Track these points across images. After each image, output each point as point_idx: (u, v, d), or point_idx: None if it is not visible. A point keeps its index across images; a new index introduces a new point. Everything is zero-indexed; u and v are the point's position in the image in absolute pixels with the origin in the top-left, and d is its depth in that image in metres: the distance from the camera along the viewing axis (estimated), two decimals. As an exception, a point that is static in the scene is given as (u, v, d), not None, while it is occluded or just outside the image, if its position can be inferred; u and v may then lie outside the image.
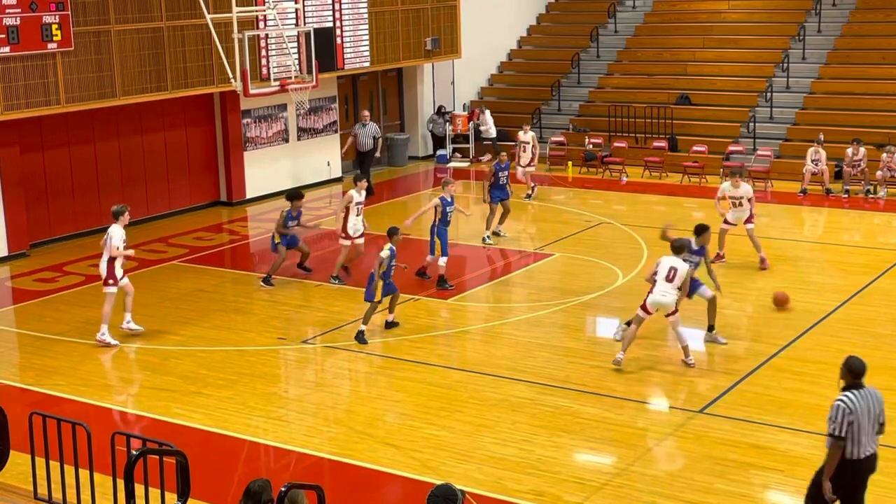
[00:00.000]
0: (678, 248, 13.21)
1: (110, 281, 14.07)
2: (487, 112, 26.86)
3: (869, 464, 8.18)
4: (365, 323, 14.14)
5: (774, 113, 25.37)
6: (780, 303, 15.06)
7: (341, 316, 15.30)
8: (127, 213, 14.29)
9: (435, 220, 16.31)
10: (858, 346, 13.55)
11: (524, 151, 22.11)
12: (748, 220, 17.09)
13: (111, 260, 14.03)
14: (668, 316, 13.02)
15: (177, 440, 9.20)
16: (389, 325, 14.54)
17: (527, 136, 22.45)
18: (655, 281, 12.93)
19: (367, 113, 23.23)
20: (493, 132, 26.78)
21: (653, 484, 10.03)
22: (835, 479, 8.14)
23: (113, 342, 14.11)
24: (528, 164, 22.20)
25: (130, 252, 14.51)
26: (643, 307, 13.00)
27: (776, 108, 25.40)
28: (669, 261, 12.98)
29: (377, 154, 23.30)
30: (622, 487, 10.00)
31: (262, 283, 16.69)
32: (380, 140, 23.16)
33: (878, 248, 18.80)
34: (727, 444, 10.85)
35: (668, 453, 10.71)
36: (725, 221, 17.21)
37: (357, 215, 16.53)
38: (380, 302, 14.20)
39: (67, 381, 12.99)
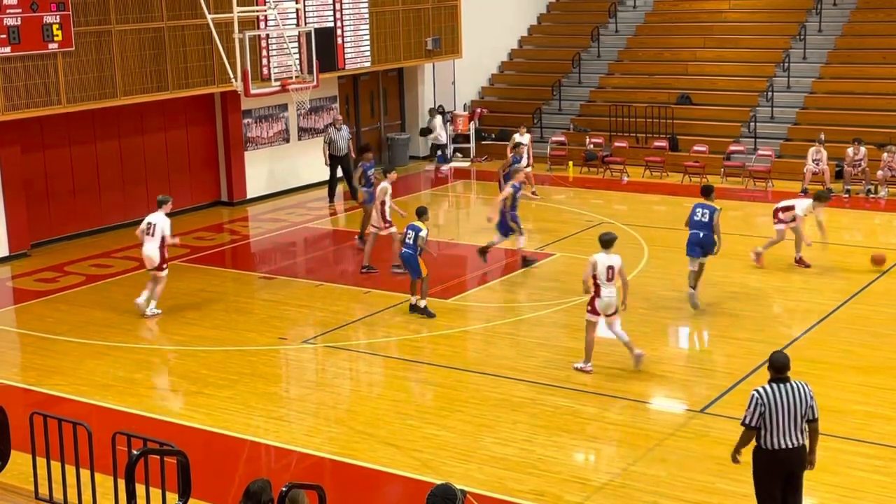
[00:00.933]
0: (607, 242, 12.76)
1: (164, 266, 15.39)
2: (438, 117, 26.26)
3: (788, 455, 8.34)
4: (424, 297, 14.91)
5: (775, 112, 25.37)
6: (878, 262, 16.42)
7: (342, 316, 15.32)
8: (171, 202, 15.65)
9: (506, 206, 16.97)
10: (858, 345, 13.58)
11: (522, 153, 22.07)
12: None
13: (162, 245, 15.25)
14: (609, 315, 12.76)
15: (178, 440, 9.20)
16: (415, 309, 15.05)
17: (523, 138, 22.47)
18: (598, 285, 12.60)
19: (340, 116, 23.21)
20: (442, 138, 26.15)
21: (654, 484, 10.04)
22: (758, 467, 8.51)
23: (157, 312, 15.44)
24: (527, 166, 22.18)
25: (176, 240, 15.87)
26: (592, 311, 12.72)
27: (777, 108, 25.40)
28: (604, 260, 12.61)
29: (352, 155, 23.30)
30: (623, 487, 10.00)
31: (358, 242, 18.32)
32: (350, 142, 23.11)
33: (878, 247, 18.78)
34: (728, 444, 10.75)
35: (669, 453, 10.70)
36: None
37: (388, 206, 17.09)
38: (427, 275, 15.00)
39: (68, 381, 12.99)
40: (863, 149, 22.16)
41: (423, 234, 14.94)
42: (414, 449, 10.88)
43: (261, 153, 23.01)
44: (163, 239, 15.16)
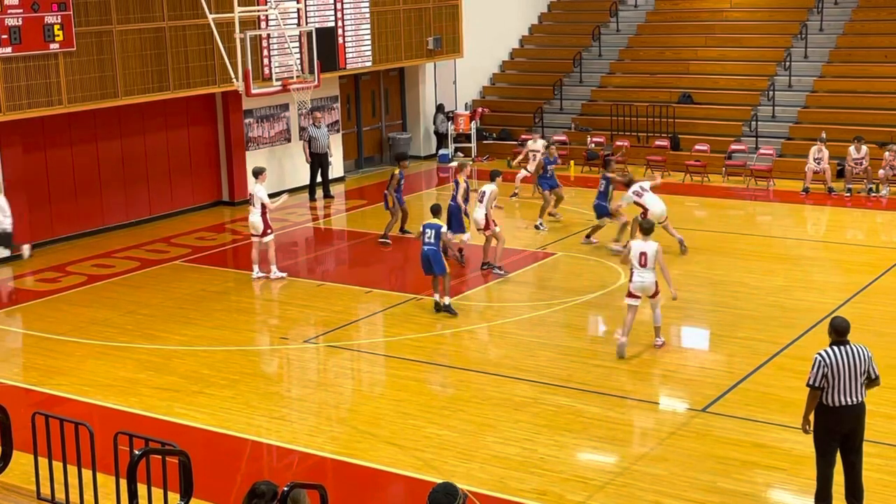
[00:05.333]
0: (647, 230, 13.55)
1: (268, 231, 16.86)
2: None
3: (849, 412, 9.02)
4: (449, 294, 15.17)
5: (777, 111, 25.36)
6: None
7: (343, 315, 15.32)
8: (265, 172, 17.09)
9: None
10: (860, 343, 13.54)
11: (533, 159, 22.12)
12: None
13: (264, 213, 16.73)
14: (651, 297, 13.43)
15: (179, 440, 9.19)
16: (440, 308, 15.31)
17: (537, 144, 22.49)
18: (632, 269, 13.39)
19: (319, 114, 23.22)
20: None
21: (655, 483, 10.03)
22: (821, 425, 9.12)
23: (281, 274, 16.96)
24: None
25: (283, 199, 17.65)
26: (629, 294, 13.43)
27: (778, 107, 25.39)
28: (638, 245, 13.36)
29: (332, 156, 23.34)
30: (625, 486, 9.99)
31: (380, 241, 19.02)
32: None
33: (880, 246, 18.80)
34: (730, 443, 10.85)
35: (670, 452, 10.69)
36: None
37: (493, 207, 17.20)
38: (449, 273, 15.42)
39: (70, 382, 13.00)
40: (864, 147, 22.15)
41: (443, 230, 15.26)
42: (416, 448, 10.88)
43: (262, 153, 23.01)
44: (263, 207, 16.68)
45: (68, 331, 14.88)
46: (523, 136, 26.83)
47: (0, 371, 13.49)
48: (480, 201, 16.96)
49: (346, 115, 25.51)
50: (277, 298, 16.27)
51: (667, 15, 29.69)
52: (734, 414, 11.56)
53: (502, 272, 16.93)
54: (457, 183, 17.59)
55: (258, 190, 16.81)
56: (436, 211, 15.46)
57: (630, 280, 13.39)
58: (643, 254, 13.21)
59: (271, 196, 17.42)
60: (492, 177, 17.62)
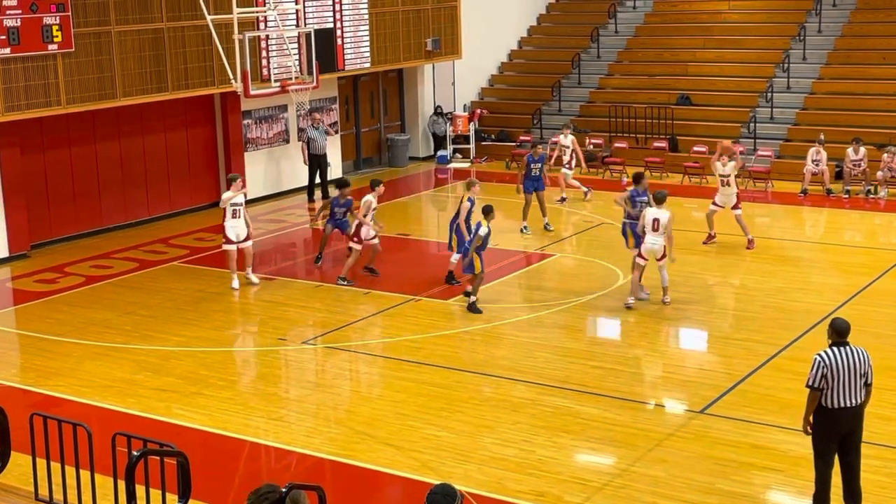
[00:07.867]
0: (660, 199, 15.02)
1: (223, 240, 16.64)
2: None
3: (847, 414, 9.01)
4: (475, 294, 15.22)
5: (775, 113, 25.38)
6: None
7: (342, 316, 15.32)
8: (240, 179, 16.72)
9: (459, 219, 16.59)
10: (859, 345, 13.54)
11: (565, 155, 22.17)
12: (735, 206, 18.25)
13: (224, 219, 16.54)
14: (658, 260, 14.97)
15: (177, 441, 9.20)
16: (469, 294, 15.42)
17: (567, 139, 22.46)
18: (644, 232, 14.91)
19: (318, 115, 23.22)
20: None
21: (653, 484, 10.04)
22: (819, 426, 9.11)
23: (234, 285, 16.51)
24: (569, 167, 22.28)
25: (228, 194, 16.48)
26: (639, 255, 15.04)
27: (777, 109, 25.40)
28: (653, 212, 14.89)
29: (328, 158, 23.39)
30: (623, 488, 10.00)
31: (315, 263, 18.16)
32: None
33: (878, 248, 18.81)
34: (728, 445, 10.85)
35: (668, 454, 10.70)
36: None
37: (371, 220, 16.65)
38: (482, 272, 15.17)
39: (68, 382, 12.99)
40: (862, 149, 22.16)
41: (481, 232, 14.91)
42: (413, 450, 10.88)
43: (261, 154, 23.02)
44: (225, 213, 16.55)
45: (66, 332, 14.88)
46: (522, 137, 26.84)
47: (-2, 372, 13.50)
48: (365, 215, 16.50)
49: (345, 117, 25.51)
50: (276, 300, 16.26)
51: (665, 16, 29.71)
52: (732, 415, 11.57)
53: (345, 283, 16.53)
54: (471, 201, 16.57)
55: (224, 196, 16.62)
56: (486, 212, 15.18)
57: (642, 242, 14.97)
58: (656, 220, 14.78)
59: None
60: (371, 185, 16.94)
